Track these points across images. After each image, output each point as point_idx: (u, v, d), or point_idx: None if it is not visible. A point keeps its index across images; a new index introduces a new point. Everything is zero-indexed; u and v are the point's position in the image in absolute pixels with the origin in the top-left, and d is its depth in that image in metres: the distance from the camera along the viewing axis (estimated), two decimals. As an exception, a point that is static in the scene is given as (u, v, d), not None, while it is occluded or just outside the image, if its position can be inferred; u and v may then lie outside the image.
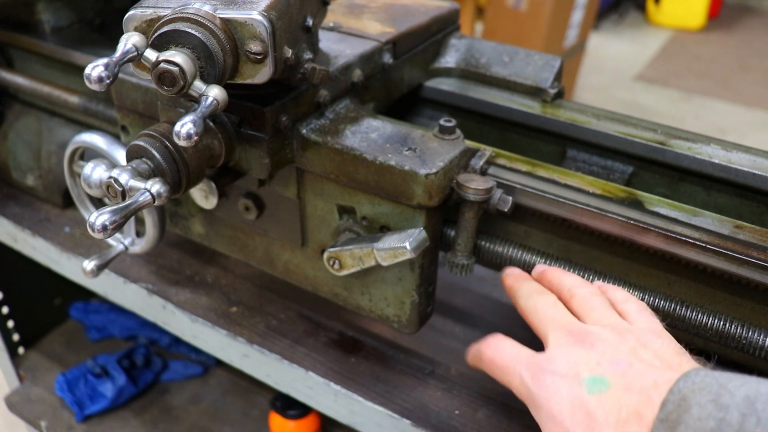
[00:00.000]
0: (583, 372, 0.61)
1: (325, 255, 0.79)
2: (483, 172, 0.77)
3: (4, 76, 1.16)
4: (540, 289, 0.73)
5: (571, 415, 0.59)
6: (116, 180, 0.63)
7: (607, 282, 0.75)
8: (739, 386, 0.51)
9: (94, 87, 0.56)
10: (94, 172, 0.68)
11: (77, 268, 1.13)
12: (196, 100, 0.59)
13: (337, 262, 0.78)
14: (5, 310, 1.57)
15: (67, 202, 1.22)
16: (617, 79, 5.12)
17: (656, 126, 0.87)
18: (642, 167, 0.87)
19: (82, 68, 0.91)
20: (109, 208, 0.60)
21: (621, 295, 0.71)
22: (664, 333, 0.65)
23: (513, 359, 0.67)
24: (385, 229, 0.76)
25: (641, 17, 6.44)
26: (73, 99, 1.08)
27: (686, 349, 0.62)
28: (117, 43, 0.59)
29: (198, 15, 0.60)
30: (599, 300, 0.69)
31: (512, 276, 0.77)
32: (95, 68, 0.56)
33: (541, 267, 0.77)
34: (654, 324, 0.66)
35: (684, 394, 0.53)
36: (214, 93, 0.59)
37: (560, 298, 0.71)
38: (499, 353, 0.68)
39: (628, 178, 0.88)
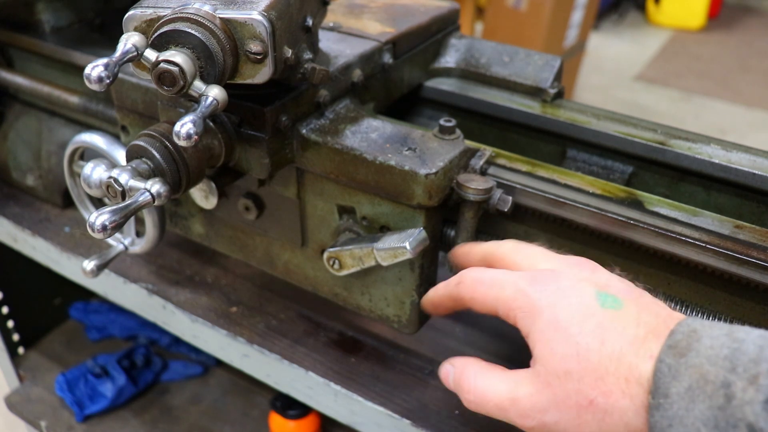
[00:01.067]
0: (591, 288, 0.56)
1: (325, 255, 0.79)
2: (483, 172, 0.77)
3: (4, 76, 1.16)
4: (471, 278, 0.66)
5: (581, 323, 0.54)
6: (116, 180, 0.63)
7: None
8: (751, 329, 0.49)
9: (94, 87, 0.56)
10: (94, 172, 0.68)
11: (77, 268, 1.13)
12: (196, 100, 0.59)
13: (337, 262, 0.78)
14: (5, 310, 1.57)
15: (67, 202, 1.22)
16: (617, 79, 5.13)
17: (656, 126, 0.87)
18: (642, 167, 0.87)
19: (82, 68, 0.91)
20: (108, 208, 0.60)
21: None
22: None
23: (506, 273, 0.61)
24: (385, 229, 0.76)
25: (641, 17, 6.44)
26: (73, 99, 1.08)
27: None
28: (117, 43, 0.59)
29: (198, 15, 0.60)
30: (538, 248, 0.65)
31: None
32: (95, 68, 0.56)
33: (458, 249, 0.73)
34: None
35: (694, 327, 0.50)
36: (214, 93, 0.59)
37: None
38: (487, 272, 0.63)
39: (628, 178, 0.88)
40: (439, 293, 0.70)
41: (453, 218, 0.77)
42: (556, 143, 0.92)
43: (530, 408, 0.56)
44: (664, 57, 5.61)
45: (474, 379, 0.61)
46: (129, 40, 0.58)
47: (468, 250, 0.72)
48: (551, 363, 0.55)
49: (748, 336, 0.48)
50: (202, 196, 0.83)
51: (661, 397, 0.48)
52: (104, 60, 0.56)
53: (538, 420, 0.55)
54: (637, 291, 0.57)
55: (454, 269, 0.72)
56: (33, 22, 1.14)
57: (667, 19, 6.22)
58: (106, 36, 1.18)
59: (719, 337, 0.49)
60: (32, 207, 1.24)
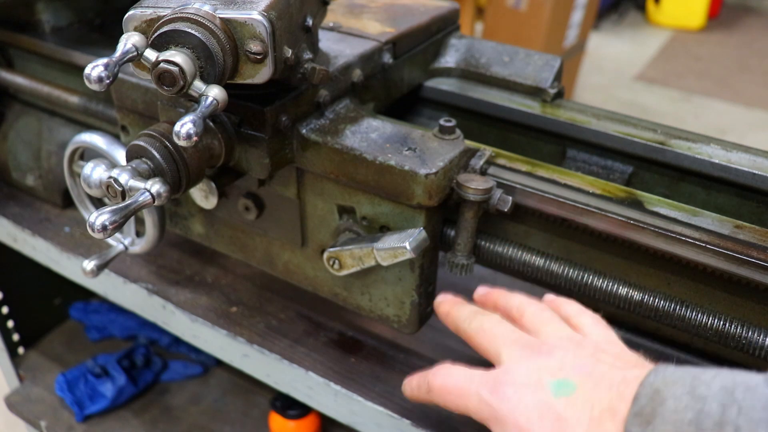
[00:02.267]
0: (545, 377, 0.58)
1: (325, 255, 0.79)
2: (483, 172, 0.77)
3: (4, 76, 1.16)
4: (482, 311, 0.71)
5: (540, 422, 0.56)
6: (116, 180, 0.63)
7: (606, 282, 0.75)
8: (713, 377, 0.50)
9: (94, 87, 0.56)
10: (94, 172, 0.68)
11: (77, 268, 1.13)
12: (196, 100, 0.59)
13: (337, 262, 0.78)
14: (5, 310, 1.57)
15: (67, 202, 1.22)
16: (617, 79, 5.12)
17: (656, 126, 0.87)
18: (642, 167, 0.87)
19: (82, 68, 0.91)
20: (108, 208, 0.60)
21: (574, 308, 0.69)
22: (620, 343, 0.64)
23: (467, 380, 0.63)
24: (385, 229, 0.76)
25: (641, 17, 6.44)
26: (73, 99, 1.08)
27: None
28: (117, 43, 0.59)
29: (198, 15, 0.60)
30: (550, 315, 0.68)
31: (447, 302, 0.75)
32: (95, 68, 0.56)
33: (483, 289, 0.76)
34: (610, 335, 0.65)
35: (656, 387, 0.51)
36: (214, 93, 0.59)
37: (509, 318, 0.69)
38: (450, 378, 0.65)
39: (628, 178, 0.88)
40: (414, 394, 0.72)
41: (453, 218, 0.77)
42: (556, 143, 0.92)
43: None
44: (664, 57, 5.61)
45: None
46: (129, 40, 0.58)
47: (495, 296, 0.75)
48: None
49: (710, 391, 0.48)
50: (202, 196, 0.83)
51: None
52: (104, 60, 0.56)
53: None
54: (592, 361, 0.59)
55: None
56: (33, 22, 1.14)
57: (667, 19, 6.22)
58: (106, 36, 1.18)
59: (682, 398, 0.49)
60: (32, 207, 1.24)
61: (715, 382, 0.49)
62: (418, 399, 0.71)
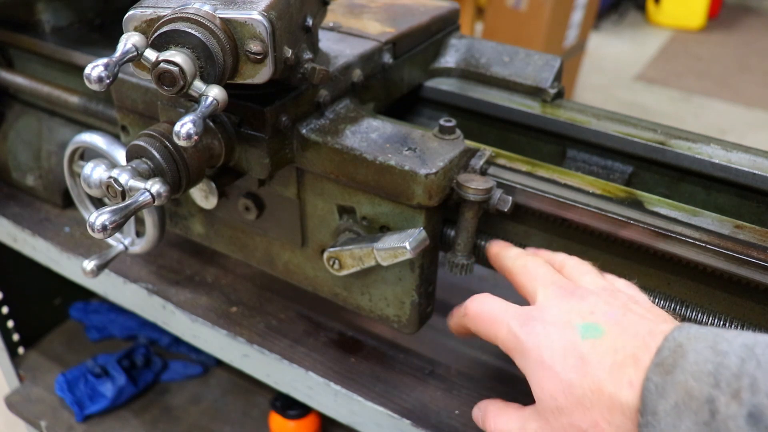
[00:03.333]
0: (575, 319, 0.60)
1: (325, 255, 0.79)
2: (483, 172, 0.77)
3: (4, 76, 1.16)
4: (529, 252, 0.74)
5: (563, 360, 0.57)
6: (116, 180, 0.63)
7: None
8: (735, 336, 0.51)
9: (94, 87, 0.56)
10: (94, 172, 0.68)
11: (77, 268, 1.13)
12: (196, 100, 0.59)
13: (337, 262, 0.78)
14: (5, 310, 1.57)
15: (67, 202, 1.22)
16: (617, 79, 5.13)
17: (656, 126, 0.87)
18: (642, 167, 0.87)
19: (82, 68, 0.92)
20: (108, 208, 0.60)
21: (611, 275, 0.71)
22: (651, 302, 0.65)
23: (501, 310, 0.65)
24: (385, 229, 0.76)
25: (641, 17, 6.45)
26: (73, 99, 1.08)
27: None
28: (117, 43, 0.59)
29: (198, 15, 0.60)
30: (590, 268, 0.69)
31: (498, 244, 0.77)
32: (95, 68, 0.56)
33: (532, 249, 0.77)
34: (643, 296, 0.67)
35: (680, 342, 0.52)
36: (214, 93, 0.59)
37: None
38: (486, 306, 0.67)
39: (628, 178, 0.88)
40: (454, 321, 0.74)
41: (453, 218, 0.77)
42: (556, 143, 0.92)
43: None
44: (664, 57, 5.61)
45: (494, 420, 0.66)
46: (129, 40, 0.58)
47: (541, 252, 0.76)
48: (544, 401, 0.58)
49: (731, 347, 0.49)
50: (202, 196, 0.83)
51: (650, 415, 0.50)
52: (104, 60, 0.56)
53: None
54: (623, 310, 0.60)
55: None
56: (33, 22, 1.14)
57: (667, 19, 6.22)
58: (106, 36, 1.18)
59: (703, 351, 0.50)
60: (32, 207, 1.24)
61: (737, 339, 0.50)
62: (456, 324, 0.74)
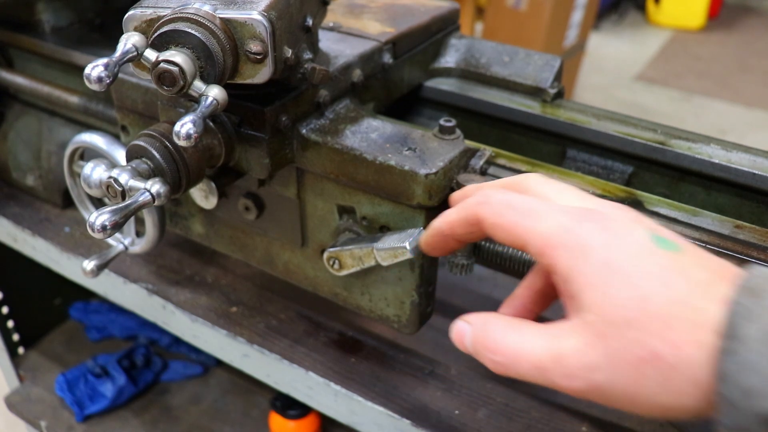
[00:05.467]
0: (644, 229, 0.48)
1: (325, 255, 0.79)
2: (483, 172, 0.77)
3: (4, 76, 1.16)
4: (478, 187, 0.59)
5: (639, 265, 0.45)
6: (116, 180, 0.63)
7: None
8: None
9: (94, 87, 0.56)
10: (94, 172, 0.68)
11: (77, 268, 1.13)
12: (196, 100, 0.59)
13: (337, 262, 0.78)
14: (5, 310, 1.57)
15: (67, 202, 1.22)
16: (617, 79, 5.13)
17: (656, 126, 0.87)
18: (642, 167, 0.87)
19: (82, 68, 0.92)
20: (108, 208, 0.60)
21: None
22: None
23: (541, 203, 0.52)
24: (385, 229, 0.76)
25: (641, 17, 6.44)
26: (73, 99, 1.08)
27: None
28: (117, 42, 0.59)
29: (198, 15, 0.60)
30: (564, 185, 0.56)
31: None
32: (95, 68, 0.56)
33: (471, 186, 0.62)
34: None
35: (764, 274, 0.44)
36: (214, 93, 0.59)
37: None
38: (517, 198, 0.53)
39: (628, 178, 0.88)
40: (450, 218, 0.58)
41: (453, 218, 0.77)
42: (556, 143, 0.92)
43: (578, 366, 0.47)
44: (664, 57, 5.61)
45: (502, 337, 0.51)
46: (129, 40, 0.58)
47: (474, 187, 0.61)
48: (607, 310, 0.46)
49: None
50: (202, 196, 0.83)
51: (735, 340, 0.41)
52: (104, 60, 0.56)
53: (587, 380, 0.46)
54: (688, 241, 0.50)
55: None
56: (33, 22, 1.14)
57: (667, 19, 6.22)
58: (105, 36, 1.18)
59: None
60: (32, 207, 1.24)
61: None
62: (455, 220, 0.58)
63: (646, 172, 0.87)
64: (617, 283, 0.46)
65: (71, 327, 1.75)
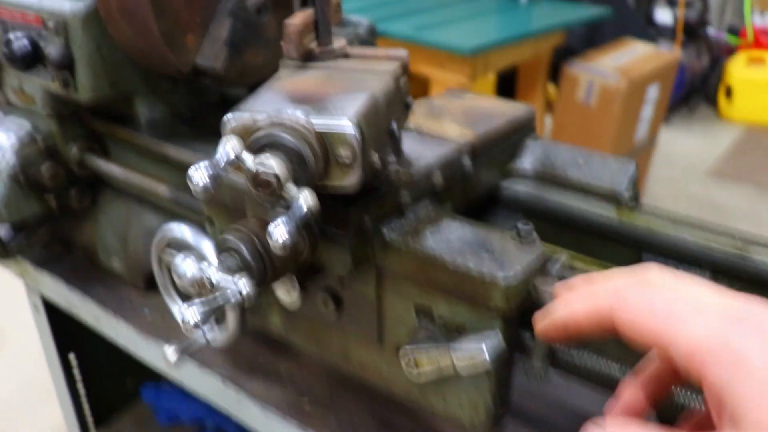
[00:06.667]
0: None
1: (401, 353, 0.79)
2: (560, 278, 0.77)
3: (100, 165, 1.22)
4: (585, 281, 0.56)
5: None
6: (206, 275, 0.66)
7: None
8: None
9: (200, 196, 0.60)
10: (184, 263, 0.71)
11: (154, 352, 1.16)
12: (286, 201, 0.62)
13: (412, 361, 0.78)
14: (81, 389, 1.61)
15: (149, 285, 1.26)
16: (689, 174, 5.07)
17: (734, 232, 0.86)
18: (719, 275, 0.86)
19: (173, 161, 0.97)
20: (198, 302, 0.63)
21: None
22: None
23: (687, 301, 0.47)
24: (461, 330, 0.77)
25: (712, 112, 6.39)
26: (162, 188, 1.13)
27: None
28: (203, 134, 0.62)
29: (292, 122, 0.63)
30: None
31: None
32: (201, 178, 0.60)
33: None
34: None
35: None
36: (307, 201, 0.61)
37: None
38: (649, 295, 0.49)
39: (707, 286, 0.86)
40: (576, 313, 0.55)
41: (530, 321, 0.77)
42: (631, 248, 0.92)
43: None
44: (737, 151, 5.53)
45: None
46: (228, 145, 0.62)
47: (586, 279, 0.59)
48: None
49: None
50: (285, 290, 0.85)
51: None
52: (209, 169, 0.60)
53: None
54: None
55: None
56: (129, 114, 1.20)
57: (740, 114, 6.15)
58: (194, 128, 1.24)
59: None
60: (115, 290, 1.29)
61: None
62: (584, 318, 0.55)
63: (724, 278, 0.86)
64: None
65: (142, 410, 1.78)
